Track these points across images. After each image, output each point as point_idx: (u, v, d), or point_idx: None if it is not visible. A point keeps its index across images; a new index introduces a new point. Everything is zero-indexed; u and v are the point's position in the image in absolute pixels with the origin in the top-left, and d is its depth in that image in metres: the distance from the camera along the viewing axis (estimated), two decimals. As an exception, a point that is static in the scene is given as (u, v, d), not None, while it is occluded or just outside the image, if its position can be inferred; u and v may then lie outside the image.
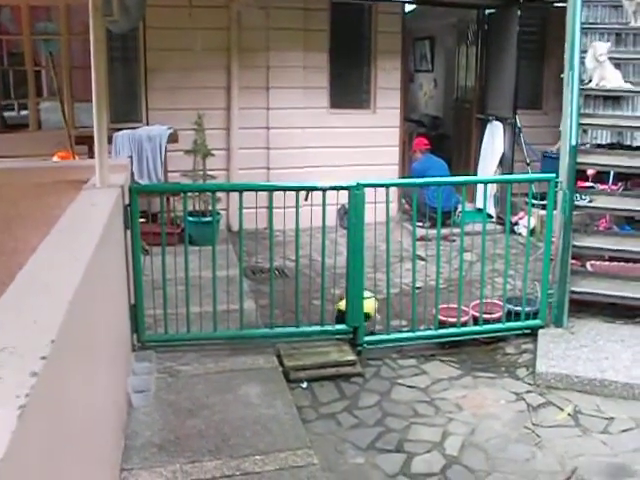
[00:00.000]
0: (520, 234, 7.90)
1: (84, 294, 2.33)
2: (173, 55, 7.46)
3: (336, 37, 8.18)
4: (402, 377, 4.57)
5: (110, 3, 4.18)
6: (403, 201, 8.63)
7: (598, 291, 5.26)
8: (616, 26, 6.97)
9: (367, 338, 4.75)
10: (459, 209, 8.17)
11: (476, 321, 5.06)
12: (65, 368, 1.98)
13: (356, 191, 4.39)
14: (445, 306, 5.07)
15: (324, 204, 4.46)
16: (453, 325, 4.95)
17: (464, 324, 5.01)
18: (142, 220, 6.95)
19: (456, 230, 7.48)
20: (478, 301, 5.15)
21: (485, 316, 5.02)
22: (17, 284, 2.22)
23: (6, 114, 8.06)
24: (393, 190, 8.58)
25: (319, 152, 8.19)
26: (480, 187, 8.94)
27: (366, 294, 4.79)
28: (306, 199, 4.39)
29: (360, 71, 8.46)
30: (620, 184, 7.29)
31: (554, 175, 5.00)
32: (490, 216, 8.54)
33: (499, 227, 7.86)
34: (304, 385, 4.41)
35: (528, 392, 4.39)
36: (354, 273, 4.55)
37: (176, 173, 7.41)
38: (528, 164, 8.94)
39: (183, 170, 7.38)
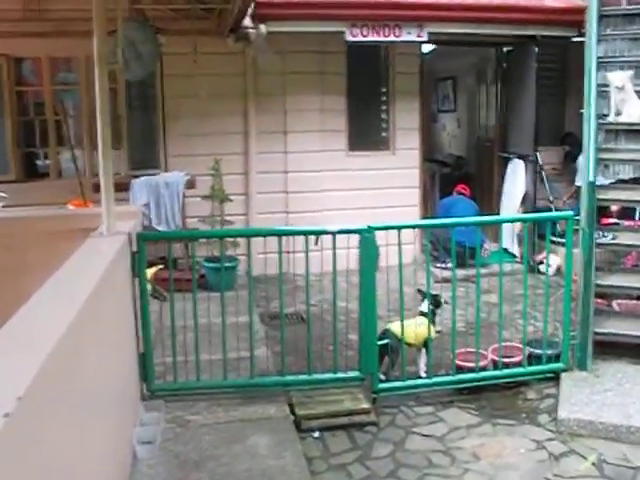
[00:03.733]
0: (544, 273, 7.69)
1: (69, 346, 2.27)
2: (190, 101, 7.51)
3: (353, 79, 8.20)
4: (418, 425, 4.41)
5: (116, 51, 4.25)
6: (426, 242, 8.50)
7: (624, 332, 5.06)
8: (636, 59, 6.89)
9: (382, 385, 4.60)
10: (485, 247, 8.08)
11: (496, 365, 4.89)
12: (38, 424, 1.90)
13: (366, 234, 4.30)
14: (464, 350, 4.91)
15: (334, 248, 4.37)
16: (471, 370, 4.78)
17: (483, 369, 4.83)
18: (161, 266, 6.98)
19: (481, 270, 7.41)
20: (497, 344, 4.98)
21: (505, 360, 4.84)
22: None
23: (38, 162, 8.20)
24: (414, 231, 8.54)
25: (338, 195, 8.14)
26: (504, 226, 8.84)
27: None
28: (316, 243, 4.32)
29: (378, 112, 8.44)
30: (643, 219, 7.09)
31: (572, 213, 4.85)
32: (514, 256, 8.38)
33: (521, 267, 7.67)
34: (316, 434, 4.27)
35: (550, 440, 4.20)
36: (366, 320, 4.44)
37: (194, 219, 7.42)
38: (551, 202, 8.79)
39: (201, 216, 7.39)
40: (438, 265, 7.96)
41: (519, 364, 4.88)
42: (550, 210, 8.66)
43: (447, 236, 7.94)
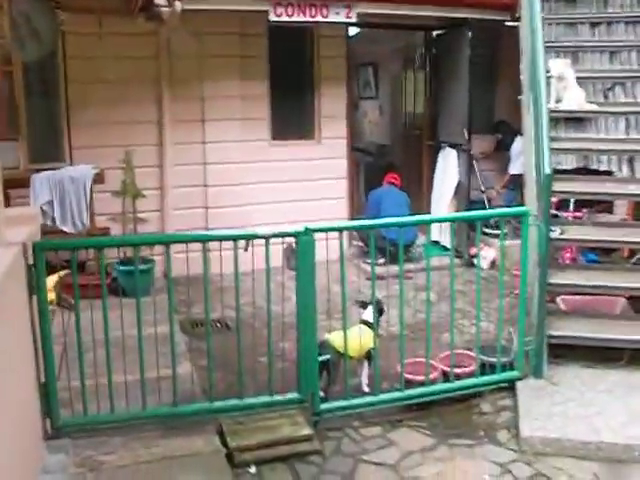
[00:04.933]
0: (481, 268, 7.37)
1: None
2: (97, 87, 6.76)
3: (276, 64, 7.60)
4: (367, 452, 3.91)
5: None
6: (355, 235, 8.05)
7: (577, 334, 4.73)
8: (572, 44, 6.63)
9: (324, 406, 4.08)
10: (417, 243, 7.70)
11: (446, 376, 4.46)
12: None
13: (304, 237, 3.74)
14: (411, 361, 4.46)
15: (267, 253, 3.80)
16: (421, 384, 4.33)
17: (433, 381, 4.39)
18: (66, 271, 6.24)
19: (414, 266, 7.01)
20: (447, 352, 4.56)
21: (456, 370, 4.42)
22: None
23: None
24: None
25: (261, 187, 7.57)
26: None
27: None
28: (246, 250, 3.74)
29: (303, 99, 7.89)
30: (585, 210, 6.86)
31: (528, 209, 4.46)
32: (445, 248, 8.03)
33: (457, 261, 7.32)
34: (252, 470, 3.71)
35: (513, 461, 3.79)
36: (305, 331, 3.90)
37: (104, 217, 6.68)
38: (483, 192, 8.51)
39: (111, 213, 6.65)
40: (369, 261, 7.53)
41: (471, 374, 4.47)
42: (482, 201, 8.39)
43: (378, 233, 7.53)
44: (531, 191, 5.37)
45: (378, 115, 12.37)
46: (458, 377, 4.43)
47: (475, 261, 7.57)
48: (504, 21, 7.34)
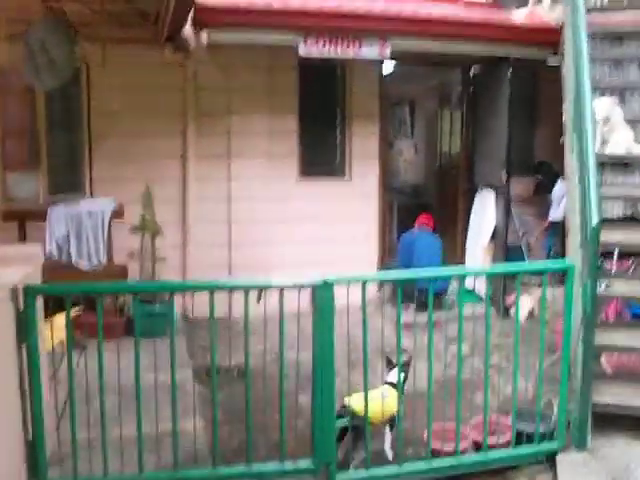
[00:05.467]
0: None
1: None
2: (121, 118, 6.55)
3: (306, 99, 7.33)
4: (388, 531, 3.48)
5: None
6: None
7: (628, 403, 4.24)
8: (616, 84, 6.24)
9: (342, 476, 3.65)
10: (449, 291, 7.28)
11: (478, 447, 4.01)
12: None
13: (323, 291, 3.34)
14: (440, 426, 4.01)
15: (281, 305, 3.42)
16: (449, 454, 3.88)
17: (463, 452, 3.94)
18: (76, 309, 5.98)
19: (445, 315, 6.56)
20: (479, 418, 4.12)
21: (490, 441, 3.97)
22: None
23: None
24: (371, 268, 7.69)
25: (288, 226, 7.24)
26: (468, 262, 8.05)
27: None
28: (258, 301, 3.38)
29: (334, 136, 7.59)
30: (632, 261, 6.36)
31: (573, 264, 4.04)
32: (480, 298, 7.58)
33: (492, 310, 6.85)
34: None
35: None
36: (322, 398, 3.49)
37: (122, 252, 6.40)
38: (521, 237, 8.06)
39: (129, 249, 6.37)
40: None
41: (506, 445, 4.01)
42: (520, 247, 7.94)
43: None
44: (574, 239, 4.94)
45: (413, 154, 12.05)
46: (491, 446, 3.98)
47: (511, 312, 7.14)
48: (545, 59, 6.98)
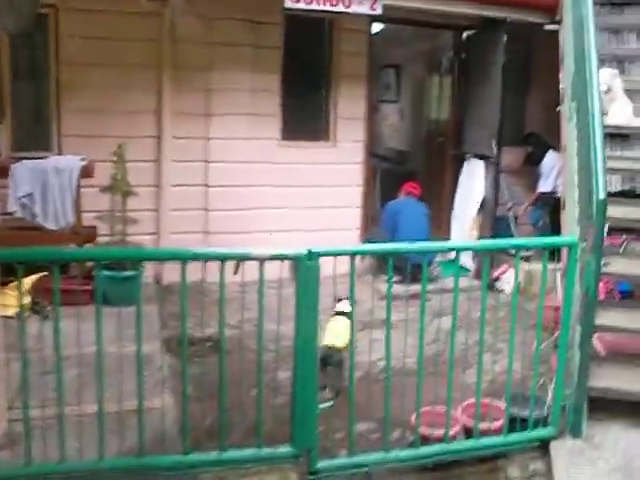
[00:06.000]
0: (503, 291, 6.66)
1: None
2: (92, 71, 6.10)
3: (291, 57, 6.92)
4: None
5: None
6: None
7: (625, 387, 4.02)
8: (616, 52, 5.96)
9: (323, 464, 3.39)
10: (435, 263, 7.05)
11: (468, 431, 3.77)
12: None
13: (307, 262, 3.02)
14: (428, 409, 3.75)
15: (261, 277, 3.09)
16: (439, 439, 3.63)
17: (453, 437, 3.70)
18: (44, 273, 5.60)
19: (432, 287, 6.29)
20: (470, 401, 3.87)
21: (481, 426, 3.72)
22: None
23: None
24: (354, 236, 7.40)
25: (268, 191, 6.90)
26: (454, 233, 7.78)
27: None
28: (235, 272, 3.06)
29: (318, 97, 7.20)
30: (625, 237, 6.13)
31: (576, 240, 3.76)
32: (467, 269, 7.34)
33: (476, 283, 6.61)
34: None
35: None
36: (303, 374, 3.19)
37: (91, 214, 6.02)
38: (509, 209, 7.80)
39: (99, 211, 5.98)
40: (384, 279, 6.87)
41: (498, 431, 3.77)
42: (507, 219, 7.69)
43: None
44: (571, 213, 4.68)
45: (399, 120, 11.69)
46: (483, 432, 3.74)
47: (498, 285, 6.91)
48: (543, 24, 6.65)
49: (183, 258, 2.80)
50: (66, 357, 4.00)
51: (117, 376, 3.60)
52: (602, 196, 3.63)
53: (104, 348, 3.10)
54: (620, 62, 5.91)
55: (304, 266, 2.94)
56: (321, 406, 3.27)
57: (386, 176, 10.04)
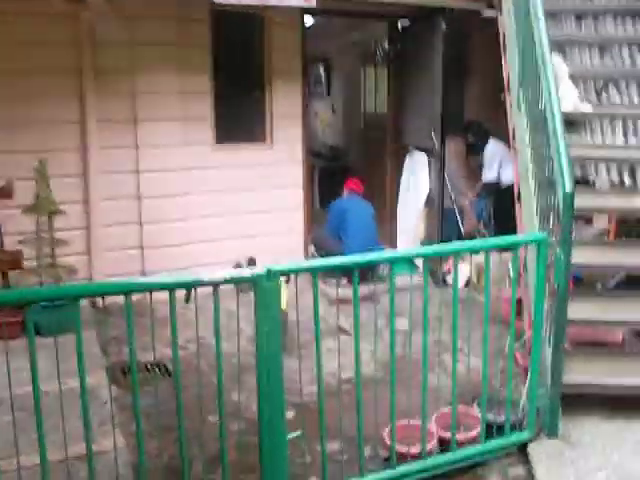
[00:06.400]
0: (451, 285, 6.49)
1: None
2: (6, 79, 5.60)
3: (220, 55, 6.54)
4: None
5: None
6: (312, 250, 7.09)
7: (597, 381, 3.88)
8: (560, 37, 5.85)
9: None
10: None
11: (443, 443, 3.55)
12: None
13: (267, 283, 2.70)
14: (403, 424, 3.52)
15: (217, 305, 2.76)
16: (415, 457, 3.40)
17: (430, 452, 3.46)
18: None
19: (382, 288, 6.08)
20: (442, 411, 3.65)
21: (458, 436, 3.51)
22: None
23: None
24: (298, 239, 7.12)
25: (205, 199, 6.54)
26: (401, 230, 7.59)
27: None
28: (187, 301, 2.73)
29: (252, 96, 6.86)
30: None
31: (544, 236, 3.57)
32: (415, 266, 7.16)
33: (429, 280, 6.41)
34: None
35: None
36: (270, 405, 2.87)
37: (14, 237, 5.53)
38: (453, 200, 7.66)
39: (23, 233, 5.49)
40: (330, 282, 6.62)
41: (474, 440, 3.57)
42: (454, 211, 7.55)
43: (339, 251, 6.63)
44: (528, 207, 4.53)
45: (330, 114, 11.47)
46: (459, 443, 3.53)
47: (448, 279, 6.75)
48: (479, 10, 6.50)
49: (126, 291, 2.45)
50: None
51: (58, 418, 3.23)
52: (569, 189, 3.46)
53: (41, 387, 2.69)
54: (560, 46, 5.81)
55: (263, 287, 2.63)
56: (290, 436, 2.96)
57: (322, 174, 9.81)
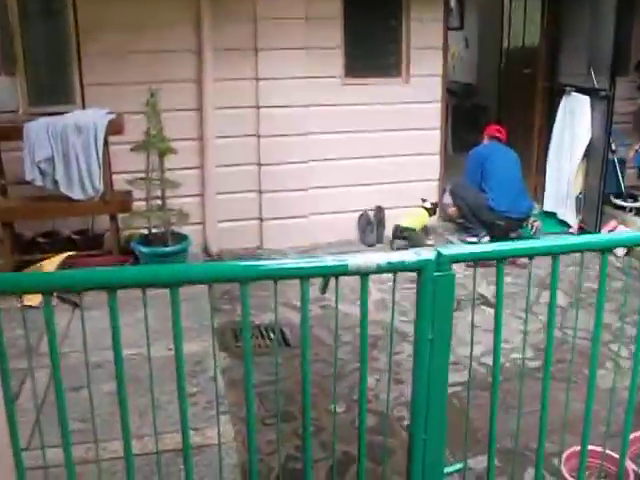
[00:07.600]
0: (614, 254, 5.54)
1: None
2: (117, 6, 5.06)
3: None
4: None
5: None
6: (448, 200, 6.28)
7: None
8: None
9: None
10: (533, 218, 6.03)
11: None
12: None
13: (437, 273, 1.91)
14: (573, 450, 2.72)
15: (364, 297, 2.02)
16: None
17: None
18: (70, 253, 4.80)
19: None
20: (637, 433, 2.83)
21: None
22: None
23: None
24: (432, 188, 6.33)
25: (329, 140, 5.83)
26: (553, 186, 6.62)
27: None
28: (323, 292, 2.04)
29: (387, 24, 5.99)
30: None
31: None
32: (568, 225, 6.23)
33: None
34: None
35: None
36: (431, 429, 2.11)
37: (122, 175, 5.06)
38: (614, 151, 6.55)
39: (133, 171, 5.00)
40: (468, 239, 5.86)
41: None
42: (613, 163, 6.45)
43: (482, 202, 5.83)
44: None
45: (463, 48, 10.39)
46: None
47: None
48: None
49: (244, 279, 1.77)
50: (98, 365, 3.18)
51: (161, 394, 2.73)
52: None
53: (152, 350, 2.00)
54: None
55: (431, 277, 1.89)
56: (449, 470, 2.24)
57: (455, 113, 8.86)
